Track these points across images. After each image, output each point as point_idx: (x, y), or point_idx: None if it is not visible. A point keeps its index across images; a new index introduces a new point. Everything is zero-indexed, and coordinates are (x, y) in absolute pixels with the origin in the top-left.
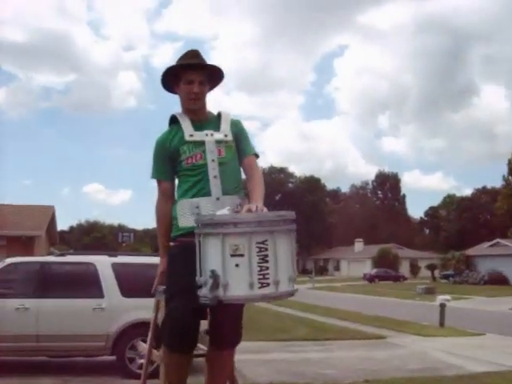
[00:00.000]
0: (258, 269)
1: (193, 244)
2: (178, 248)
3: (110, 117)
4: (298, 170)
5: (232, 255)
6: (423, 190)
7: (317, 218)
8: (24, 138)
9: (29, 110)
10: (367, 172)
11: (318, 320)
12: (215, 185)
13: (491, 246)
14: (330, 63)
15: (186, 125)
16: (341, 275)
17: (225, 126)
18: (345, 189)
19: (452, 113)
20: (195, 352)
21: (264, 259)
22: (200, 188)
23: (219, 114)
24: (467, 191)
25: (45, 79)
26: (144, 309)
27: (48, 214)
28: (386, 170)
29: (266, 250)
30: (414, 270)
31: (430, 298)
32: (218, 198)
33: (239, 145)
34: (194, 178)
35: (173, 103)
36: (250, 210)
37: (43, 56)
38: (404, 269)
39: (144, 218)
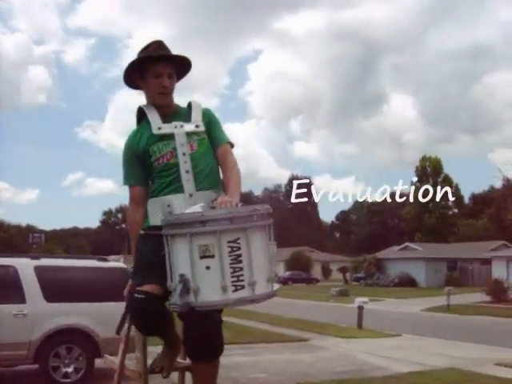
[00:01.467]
0: (231, 270)
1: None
2: (146, 235)
3: (19, 113)
4: None
5: (201, 257)
6: (334, 195)
7: None
8: None
9: None
10: (280, 176)
11: (238, 323)
12: (187, 180)
13: (401, 249)
14: (244, 67)
15: (154, 117)
16: None
17: (196, 116)
18: (257, 192)
19: (363, 119)
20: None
21: (237, 259)
22: (173, 186)
23: (189, 105)
24: (376, 197)
25: None
26: (69, 314)
27: None
28: (299, 174)
29: (239, 249)
30: (326, 272)
31: (343, 299)
32: (191, 195)
33: (211, 134)
34: (167, 178)
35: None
36: (221, 206)
37: None
38: (316, 271)
39: (52, 219)
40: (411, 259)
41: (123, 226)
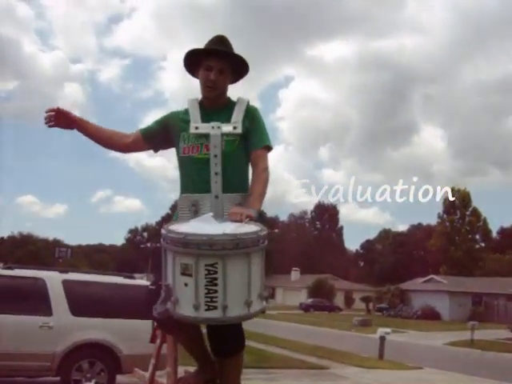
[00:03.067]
0: (206, 291)
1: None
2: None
3: (53, 128)
4: None
5: (182, 273)
6: (359, 223)
7: None
8: None
9: None
10: (306, 202)
11: (259, 347)
12: (215, 182)
13: (425, 281)
14: (275, 93)
15: (195, 115)
16: (276, 303)
17: (237, 117)
18: (283, 217)
19: (392, 150)
20: None
21: (212, 282)
22: (200, 184)
23: (235, 102)
24: (402, 227)
25: None
26: (94, 329)
27: None
28: (326, 201)
29: (216, 272)
30: (349, 301)
31: (365, 329)
32: (216, 196)
33: (250, 136)
34: (191, 171)
35: (116, 122)
36: (232, 218)
37: None
38: (338, 300)
39: (79, 234)
40: (435, 292)
41: (148, 244)
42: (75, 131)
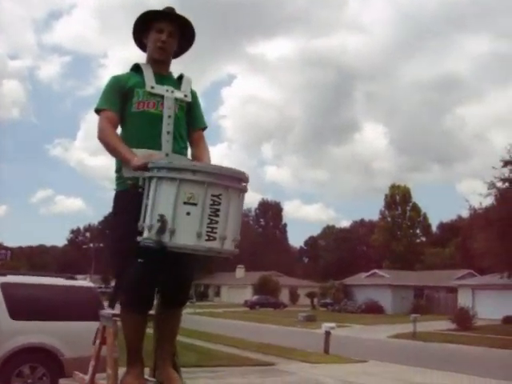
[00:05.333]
0: (208, 221)
1: (139, 195)
2: (127, 201)
3: None
4: None
5: (185, 203)
6: (303, 220)
7: None
8: None
9: None
10: (250, 200)
11: (205, 346)
12: (167, 141)
13: (368, 276)
14: (217, 91)
15: (149, 75)
16: (221, 301)
17: (186, 88)
18: None
19: (335, 146)
20: None
21: (215, 213)
22: (150, 140)
23: (181, 76)
24: (345, 223)
25: None
26: (35, 332)
27: None
28: (269, 198)
29: (219, 204)
30: (294, 297)
31: (311, 325)
32: (167, 154)
33: (194, 112)
34: (142, 126)
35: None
36: None
37: None
38: (284, 296)
39: (19, 236)
40: (378, 286)
41: (91, 245)
42: (20, 131)
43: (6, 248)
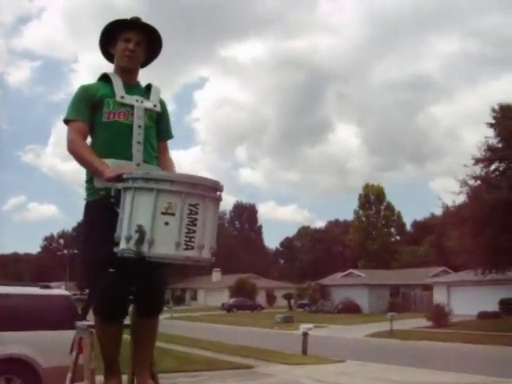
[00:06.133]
0: (186, 230)
1: (111, 206)
2: (100, 211)
3: None
4: None
5: (163, 213)
6: (278, 221)
7: None
8: None
9: None
10: (225, 202)
11: (183, 350)
12: (138, 150)
13: (344, 275)
14: (190, 94)
15: (118, 85)
16: (198, 305)
17: (154, 98)
18: None
19: (308, 147)
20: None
21: (193, 222)
22: (121, 150)
23: (149, 86)
24: (320, 223)
25: None
26: (10, 343)
27: None
28: (244, 200)
29: (197, 213)
30: (271, 299)
31: (288, 326)
32: (138, 164)
33: (162, 123)
34: (112, 136)
35: (27, 126)
36: None
37: None
38: (261, 298)
39: None
40: (355, 285)
41: (65, 251)
42: None
43: None
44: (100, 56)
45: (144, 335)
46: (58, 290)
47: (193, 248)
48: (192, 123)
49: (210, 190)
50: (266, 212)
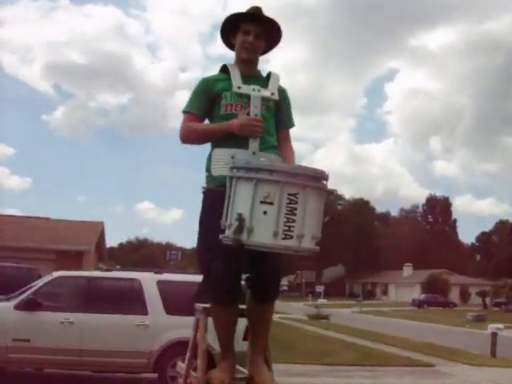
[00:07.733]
0: (285, 220)
1: (225, 194)
2: (214, 198)
3: (165, 136)
4: (349, 192)
5: (262, 202)
6: (475, 215)
7: (365, 241)
8: (81, 156)
9: (86, 128)
10: (418, 195)
11: (366, 345)
12: (254, 140)
13: None
14: (381, 87)
15: (236, 76)
16: (389, 300)
17: (273, 86)
18: (395, 212)
19: (507, 136)
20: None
21: (292, 212)
22: (237, 140)
23: (269, 74)
24: None
25: (102, 99)
26: (188, 327)
27: (97, 230)
28: (437, 193)
29: (296, 203)
30: (464, 296)
31: (480, 325)
32: (254, 153)
33: (282, 111)
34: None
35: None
36: None
37: (102, 77)
38: (454, 295)
39: (193, 237)
40: None
41: None
42: None
43: (178, 249)
44: (290, 53)
45: (258, 320)
46: None
47: (292, 237)
48: (384, 116)
49: (311, 179)
50: (462, 205)
